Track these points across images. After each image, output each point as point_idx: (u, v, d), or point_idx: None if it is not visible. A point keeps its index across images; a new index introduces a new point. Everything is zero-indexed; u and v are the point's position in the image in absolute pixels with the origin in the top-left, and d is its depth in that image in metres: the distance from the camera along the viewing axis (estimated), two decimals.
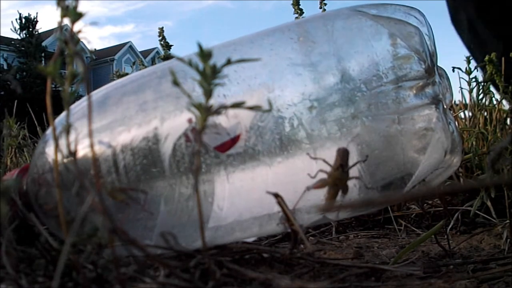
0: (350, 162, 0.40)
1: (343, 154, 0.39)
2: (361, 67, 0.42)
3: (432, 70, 0.42)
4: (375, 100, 0.41)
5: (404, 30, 0.43)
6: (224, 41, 0.46)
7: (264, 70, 0.41)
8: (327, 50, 0.43)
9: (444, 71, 0.46)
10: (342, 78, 0.41)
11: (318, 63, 0.42)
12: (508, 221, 0.52)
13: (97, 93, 0.44)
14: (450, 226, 0.59)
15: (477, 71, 0.82)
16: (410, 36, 0.42)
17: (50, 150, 0.41)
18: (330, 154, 0.40)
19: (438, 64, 0.45)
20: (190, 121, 0.39)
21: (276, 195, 0.37)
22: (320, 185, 0.39)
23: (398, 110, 0.41)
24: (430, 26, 0.44)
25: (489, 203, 0.60)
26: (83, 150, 0.39)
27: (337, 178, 0.39)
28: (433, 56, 0.43)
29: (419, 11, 0.45)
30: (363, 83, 0.41)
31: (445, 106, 0.43)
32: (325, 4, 0.93)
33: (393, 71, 0.42)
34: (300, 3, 0.90)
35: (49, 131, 0.44)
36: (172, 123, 0.40)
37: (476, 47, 0.93)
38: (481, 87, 0.80)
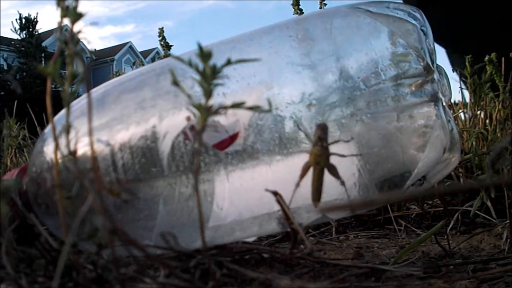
0: (350, 163, 0.40)
1: (322, 128, 0.38)
2: (360, 64, 0.42)
3: (431, 67, 0.42)
4: (374, 97, 0.41)
5: (403, 27, 0.43)
6: (223, 39, 0.46)
7: (263, 68, 0.41)
8: (326, 48, 0.43)
9: (443, 69, 0.46)
10: (341, 76, 0.41)
11: (317, 61, 0.42)
12: (508, 221, 0.52)
13: (95, 91, 0.44)
14: (450, 226, 0.59)
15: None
16: (409, 34, 0.42)
17: (48, 149, 0.41)
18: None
19: (438, 63, 0.45)
20: (188, 119, 0.39)
21: (275, 193, 0.37)
22: (304, 169, 0.39)
23: (397, 107, 0.41)
24: (428, 24, 0.45)
25: (489, 203, 0.60)
26: (81, 149, 0.39)
27: (317, 155, 0.38)
28: (431, 53, 0.43)
29: (417, 9, 0.45)
30: (362, 80, 0.41)
31: (444, 104, 0.43)
32: (325, 5, 0.93)
33: (392, 69, 0.42)
34: (300, 3, 0.90)
35: (47, 129, 0.44)
36: (171, 121, 0.40)
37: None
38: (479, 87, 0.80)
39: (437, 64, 0.44)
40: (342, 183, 0.39)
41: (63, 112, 0.42)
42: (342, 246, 0.57)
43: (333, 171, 0.39)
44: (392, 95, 0.41)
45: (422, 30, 0.43)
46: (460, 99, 0.91)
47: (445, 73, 0.46)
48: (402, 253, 0.45)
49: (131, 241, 0.30)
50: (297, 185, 0.39)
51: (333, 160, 0.40)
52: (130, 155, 0.39)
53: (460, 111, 0.88)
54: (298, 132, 0.40)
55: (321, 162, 0.38)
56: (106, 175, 0.39)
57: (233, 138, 0.39)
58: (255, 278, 0.32)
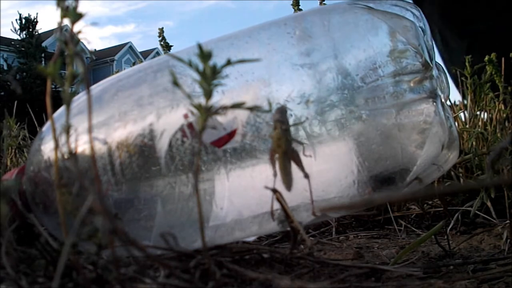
0: (349, 160, 0.40)
1: (280, 112, 0.38)
2: (358, 61, 0.42)
3: (429, 64, 0.42)
4: (372, 94, 0.41)
5: (401, 24, 0.43)
6: (220, 36, 0.46)
7: (261, 65, 0.41)
8: (324, 45, 0.43)
9: (441, 66, 0.46)
10: (339, 72, 0.41)
11: (315, 58, 0.42)
12: (508, 221, 0.52)
13: (93, 89, 0.43)
14: (450, 226, 0.59)
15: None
16: (406, 30, 0.42)
17: (45, 148, 0.41)
18: (328, 150, 0.40)
19: (436, 60, 0.45)
20: (186, 116, 0.39)
21: (275, 191, 0.37)
22: (270, 156, 0.38)
23: (395, 104, 0.41)
24: (426, 20, 0.45)
25: (489, 204, 0.60)
26: (79, 148, 0.39)
27: (277, 138, 0.38)
28: (430, 50, 0.43)
29: (415, 5, 0.45)
30: (360, 77, 0.41)
31: (442, 101, 0.43)
32: (325, 4, 0.93)
33: (390, 65, 0.42)
34: (300, 3, 0.90)
35: (45, 127, 0.44)
36: (168, 118, 0.40)
37: (447, 56, 0.95)
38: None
39: (435, 61, 0.44)
40: (306, 175, 0.39)
41: (60, 110, 0.42)
42: (342, 246, 0.57)
43: (295, 157, 0.38)
44: (390, 92, 0.41)
45: (420, 27, 0.43)
46: (460, 100, 0.91)
47: (444, 70, 0.46)
48: (402, 253, 0.45)
49: (131, 242, 0.29)
50: (275, 175, 0.38)
51: (333, 159, 0.40)
52: (128, 153, 0.39)
53: (460, 111, 0.88)
54: (297, 129, 0.40)
55: (282, 145, 0.38)
56: (104, 174, 0.39)
57: (230, 135, 0.39)
58: (255, 278, 0.32)
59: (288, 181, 0.39)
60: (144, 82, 0.43)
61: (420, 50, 0.42)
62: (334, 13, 0.45)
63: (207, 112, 0.29)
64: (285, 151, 0.38)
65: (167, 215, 0.40)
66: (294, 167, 0.39)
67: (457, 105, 0.92)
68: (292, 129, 0.40)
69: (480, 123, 0.81)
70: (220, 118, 0.39)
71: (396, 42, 0.42)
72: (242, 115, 0.39)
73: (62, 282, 0.29)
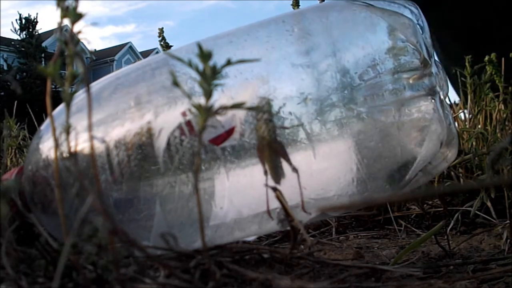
0: (347, 157, 0.40)
1: (262, 103, 0.38)
2: (357, 59, 0.42)
3: (428, 61, 0.42)
4: (371, 91, 0.41)
5: (399, 21, 0.43)
6: (218, 33, 0.46)
7: (260, 63, 0.41)
8: (322, 42, 0.43)
9: (440, 63, 0.46)
10: (338, 70, 0.41)
11: (314, 56, 0.42)
12: (508, 221, 0.52)
13: (91, 87, 0.43)
14: (450, 226, 0.59)
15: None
16: (405, 27, 0.42)
17: (44, 146, 0.41)
18: (327, 148, 0.40)
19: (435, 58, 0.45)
20: (184, 114, 0.39)
21: (275, 189, 0.37)
22: (258, 150, 0.38)
23: (394, 101, 0.41)
24: (424, 18, 0.45)
25: (489, 204, 0.60)
26: (77, 147, 0.38)
27: (261, 129, 0.38)
28: (428, 47, 0.43)
29: (413, 3, 0.45)
30: (359, 75, 0.41)
31: (441, 98, 0.43)
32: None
33: (388, 63, 0.42)
34: (300, 3, 0.90)
35: (43, 126, 0.44)
36: (166, 116, 0.39)
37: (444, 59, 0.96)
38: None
39: (434, 59, 0.44)
40: (294, 169, 0.38)
41: (59, 109, 0.41)
42: (342, 246, 0.57)
43: (279, 149, 0.38)
44: (389, 89, 0.41)
45: (419, 24, 0.43)
46: (460, 100, 0.91)
47: (442, 67, 0.46)
48: (402, 253, 0.45)
49: (131, 242, 0.29)
50: (265, 173, 0.38)
51: (331, 157, 0.40)
52: (126, 152, 0.39)
53: (460, 111, 0.88)
54: (296, 127, 0.40)
55: (266, 136, 0.38)
56: (102, 173, 0.39)
57: (229, 133, 0.39)
58: (255, 278, 0.32)
59: (275, 174, 0.38)
60: (143, 80, 0.43)
61: (418, 47, 0.42)
62: (333, 11, 0.45)
63: (207, 112, 0.29)
64: (269, 142, 0.38)
65: (167, 215, 0.40)
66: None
67: (457, 105, 0.92)
68: (288, 123, 0.39)
69: (480, 123, 0.81)
70: (218, 116, 0.38)
71: (395, 39, 0.42)
72: (240, 113, 0.39)
73: (62, 282, 0.29)
